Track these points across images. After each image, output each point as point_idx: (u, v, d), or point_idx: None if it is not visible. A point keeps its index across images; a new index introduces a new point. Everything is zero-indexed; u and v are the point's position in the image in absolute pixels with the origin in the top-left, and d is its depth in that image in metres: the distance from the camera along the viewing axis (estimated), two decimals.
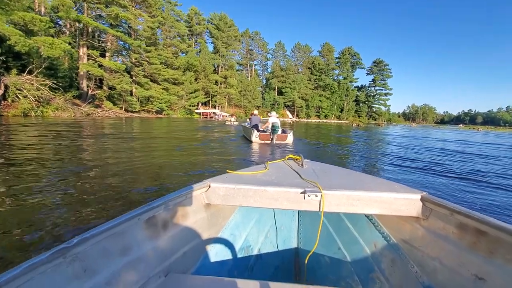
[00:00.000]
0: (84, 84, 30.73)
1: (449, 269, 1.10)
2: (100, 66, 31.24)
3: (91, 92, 31.14)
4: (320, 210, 1.29)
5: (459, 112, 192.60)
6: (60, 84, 23.89)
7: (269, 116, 10.29)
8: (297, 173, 1.66)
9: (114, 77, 32.51)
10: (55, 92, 23.46)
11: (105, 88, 33.67)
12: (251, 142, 10.24)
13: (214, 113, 46.74)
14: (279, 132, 10.12)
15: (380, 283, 1.43)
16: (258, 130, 10.38)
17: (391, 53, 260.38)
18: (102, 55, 34.02)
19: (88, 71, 29.50)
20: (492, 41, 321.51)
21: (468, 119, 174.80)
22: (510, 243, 0.91)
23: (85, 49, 31.25)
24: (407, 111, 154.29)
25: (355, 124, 46.72)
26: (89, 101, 29.03)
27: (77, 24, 30.62)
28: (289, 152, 8.47)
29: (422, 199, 1.31)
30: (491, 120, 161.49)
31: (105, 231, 0.84)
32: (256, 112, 12.26)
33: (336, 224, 1.89)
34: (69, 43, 27.43)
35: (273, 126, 9.85)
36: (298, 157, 2.01)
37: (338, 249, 1.79)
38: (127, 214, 0.95)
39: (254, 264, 1.76)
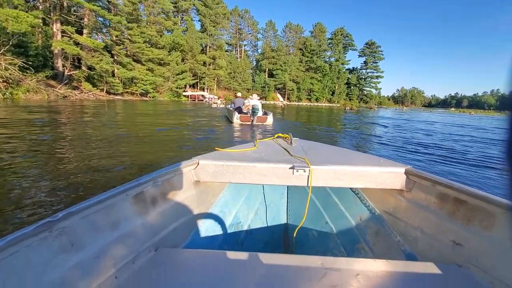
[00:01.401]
0: (59, 63, 28.33)
1: (429, 237, 1.18)
2: (77, 44, 28.68)
3: (68, 72, 28.78)
4: (308, 185, 1.34)
5: (446, 96, 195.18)
6: (31, 63, 21.75)
7: (251, 99, 10.80)
8: (286, 150, 1.69)
9: (92, 56, 30.09)
10: (26, 73, 21.38)
11: (83, 68, 31.32)
12: (232, 123, 10.68)
13: (202, 95, 44.83)
14: (260, 114, 10.58)
15: (365, 252, 1.51)
16: (240, 112, 10.78)
17: (382, 35, 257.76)
18: (80, 32, 31.19)
19: (63, 49, 27.01)
20: (478, 26, 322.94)
21: (454, 102, 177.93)
22: (487, 210, 0.98)
23: (58, 24, 28.51)
24: (396, 94, 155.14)
25: (348, 107, 46.27)
26: (65, 82, 26.88)
27: None
28: (269, 133, 8.78)
29: (406, 172, 1.37)
30: (475, 103, 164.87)
31: (92, 205, 0.85)
32: (239, 94, 12.83)
33: (323, 199, 1.96)
34: (43, 19, 24.86)
35: (253, 108, 10.29)
36: (287, 135, 2.03)
37: (325, 223, 1.87)
38: (114, 190, 0.96)
39: (244, 239, 1.81)
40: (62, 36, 28.35)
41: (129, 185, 1.02)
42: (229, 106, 13.27)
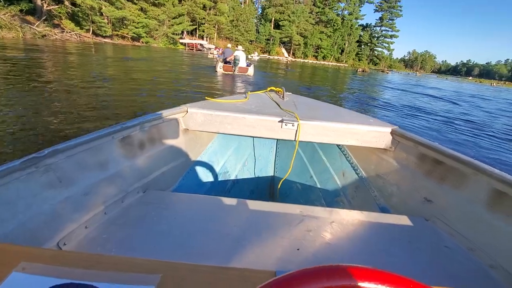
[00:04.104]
0: None
1: (404, 193, 1.27)
2: None
3: (47, 7, 24.93)
4: (296, 139, 1.37)
5: (457, 62, 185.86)
6: None
7: (237, 49, 11.43)
8: (277, 103, 1.69)
9: None
10: None
11: (66, 3, 27.24)
12: (216, 72, 11.56)
13: (201, 45, 40.87)
14: (242, 64, 11.34)
15: (343, 204, 1.60)
16: (225, 62, 11.50)
17: None
18: None
19: None
20: None
21: (465, 70, 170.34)
22: (459, 170, 1.05)
23: None
24: (406, 57, 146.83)
25: (360, 70, 42.45)
26: (44, 18, 23.36)
27: None
28: (248, 83, 9.44)
29: (392, 133, 1.41)
30: (486, 73, 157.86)
31: (78, 144, 0.87)
32: (229, 45, 13.53)
33: (310, 154, 2.00)
34: None
35: (234, 58, 11.14)
36: (280, 89, 2.04)
37: (310, 177, 1.93)
38: (100, 131, 0.97)
39: (231, 188, 1.87)
40: None
41: (115, 127, 1.02)
42: (219, 56, 14.26)
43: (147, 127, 1.18)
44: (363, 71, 40.80)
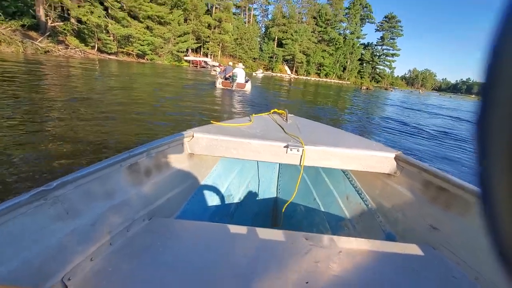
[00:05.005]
0: (41, 12, 24.27)
1: (410, 220, 1.25)
2: None
3: (51, 23, 24.87)
4: (300, 164, 1.37)
5: (456, 80, 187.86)
6: (1, 8, 18.08)
7: (237, 67, 12.18)
8: (281, 127, 1.71)
9: (79, 7, 25.99)
10: None
11: (73, 20, 27.33)
12: (215, 87, 12.32)
13: (205, 62, 40.85)
14: (241, 80, 11.89)
15: (348, 230, 1.58)
16: (226, 78, 12.17)
17: (403, 8, 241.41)
18: None
19: None
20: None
21: (465, 88, 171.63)
22: (464, 198, 1.06)
23: None
24: (407, 75, 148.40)
25: (364, 87, 41.61)
26: (48, 34, 23.16)
27: None
28: (245, 99, 10.04)
29: (396, 158, 1.41)
30: None
31: (86, 175, 0.87)
32: (230, 63, 14.61)
33: (313, 177, 1.99)
34: None
35: (233, 74, 11.75)
36: (283, 111, 2.03)
37: (313, 200, 1.91)
38: (109, 160, 0.97)
39: (234, 211, 1.85)
40: None
41: (123, 155, 1.02)
42: (220, 73, 14.82)
43: (154, 154, 1.18)
44: (367, 88, 40.21)
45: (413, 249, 1.05)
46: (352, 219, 1.58)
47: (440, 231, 1.10)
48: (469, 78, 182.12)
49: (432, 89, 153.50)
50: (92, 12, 26.82)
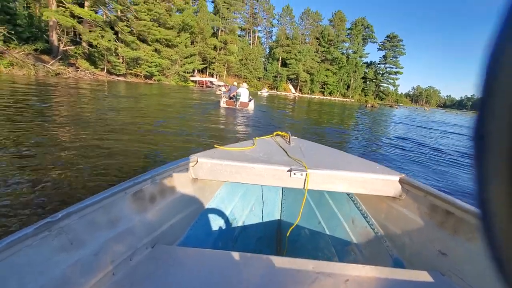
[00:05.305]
0: (54, 37, 25.25)
1: (417, 245, 1.22)
2: (76, 17, 25.44)
3: (63, 47, 25.75)
4: (304, 187, 1.36)
5: (461, 97, 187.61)
6: (13, 33, 18.75)
7: (241, 87, 12.44)
8: (284, 150, 1.71)
9: (90, 31, 26.96)
10: (10, 43, 18.49)
11: (84, 44, 28.29)
12: (219, 106, 12.53)
13: (211, 82, 41.58)
14: (244, 100, 12.16)
15: (355, 255, 1.54)
16: (231, 98, 12.40)
17: (403, 29, 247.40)
18: (82, 5, 27.94)
19: (57, 21, 23.85)
20: None
21: (470, 104, 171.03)
22: (471, 223, 1.04)
23: None
24: (411, 92, 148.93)
25: (369, 105, 41.10)
26: (59, 58, 23.87)
27: None
28: (249, 118, 10.16)
29: (400, 181, 1.39)
30: None
31: (91, 205, 0.87)
32: (235, 83, 14.64)
33: (317, 200, 1.96)
34: None
35: (236, 94, 12.06)
36: (285, 134, 2.04)
37: (318, 223, 1.88)
38: (113, 188, 0.97)
39: (238, 235, 1.82)
40: (58, 6, 25.02)
41: (128, 183, 1.02)
42: (224, 93, 15.31)
43: (158, 180, 1.18)
44: (372, 106, 39.70)
45: (422, 276, 1.03)
46: (359, 244, 1.55)
47: (448, 257, 1.08)
48: (473, 95, 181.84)
49: (437, 106, 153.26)
50: (102, 36, 27.79)
